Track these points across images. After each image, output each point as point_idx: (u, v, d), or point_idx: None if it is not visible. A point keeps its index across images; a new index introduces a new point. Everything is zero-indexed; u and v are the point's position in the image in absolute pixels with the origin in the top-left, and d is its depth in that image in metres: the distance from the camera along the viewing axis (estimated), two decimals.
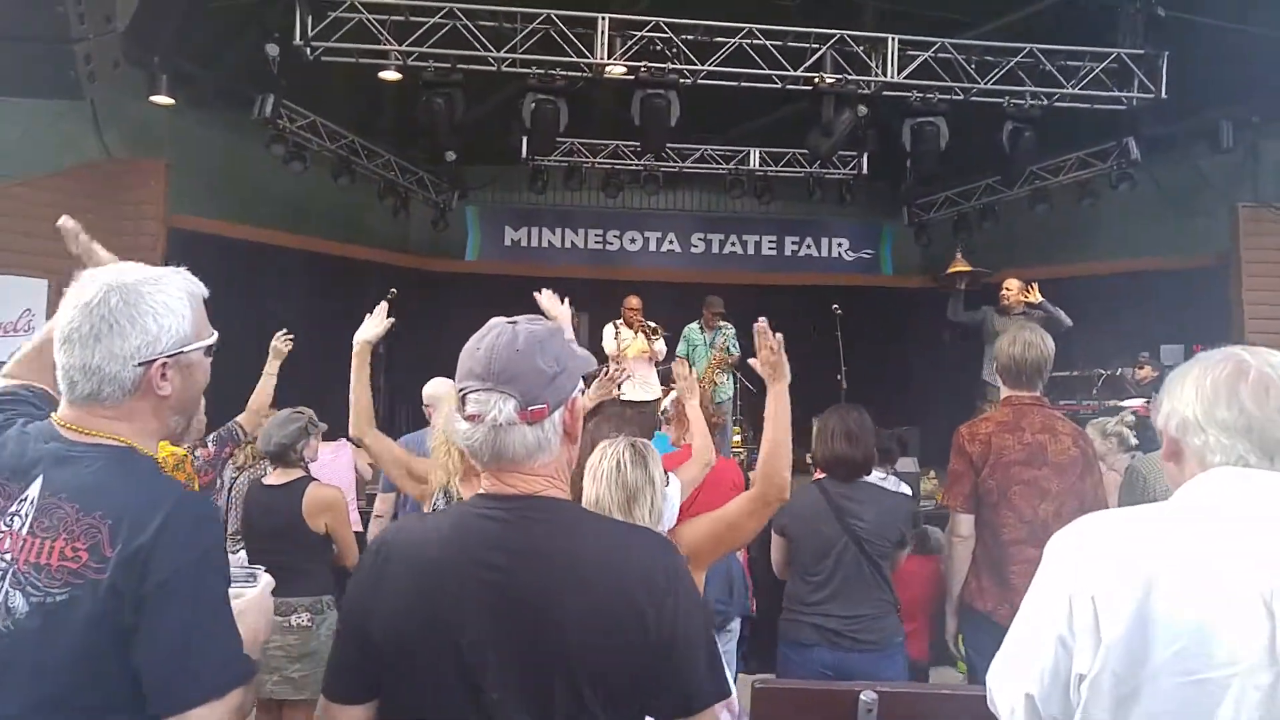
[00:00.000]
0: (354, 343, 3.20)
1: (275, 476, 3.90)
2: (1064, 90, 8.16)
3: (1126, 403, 7.27)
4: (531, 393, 1.35)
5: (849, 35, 7.92)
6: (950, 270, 8.60)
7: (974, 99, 8.21)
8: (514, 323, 1.40)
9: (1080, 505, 3.13)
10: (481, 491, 1.42)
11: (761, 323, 2.41)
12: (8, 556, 1.32)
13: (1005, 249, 11.55)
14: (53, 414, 1.45)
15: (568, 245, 12.71)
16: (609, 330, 8.41)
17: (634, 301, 8.43)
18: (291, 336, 4.08)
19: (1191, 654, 1.27)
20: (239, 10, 8.03)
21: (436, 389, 4.44)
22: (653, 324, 8.31)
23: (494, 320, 1.42)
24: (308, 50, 7.55)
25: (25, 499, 1.35)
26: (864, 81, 8.02)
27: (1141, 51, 7.96)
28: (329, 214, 10.81)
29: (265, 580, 1.58)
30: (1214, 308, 9.45)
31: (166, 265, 1.51)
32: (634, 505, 2.22)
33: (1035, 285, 7.42)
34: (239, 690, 1.32)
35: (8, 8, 5.52)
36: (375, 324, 3.24)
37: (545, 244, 12.68)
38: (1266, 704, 1.23)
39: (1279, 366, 1.41)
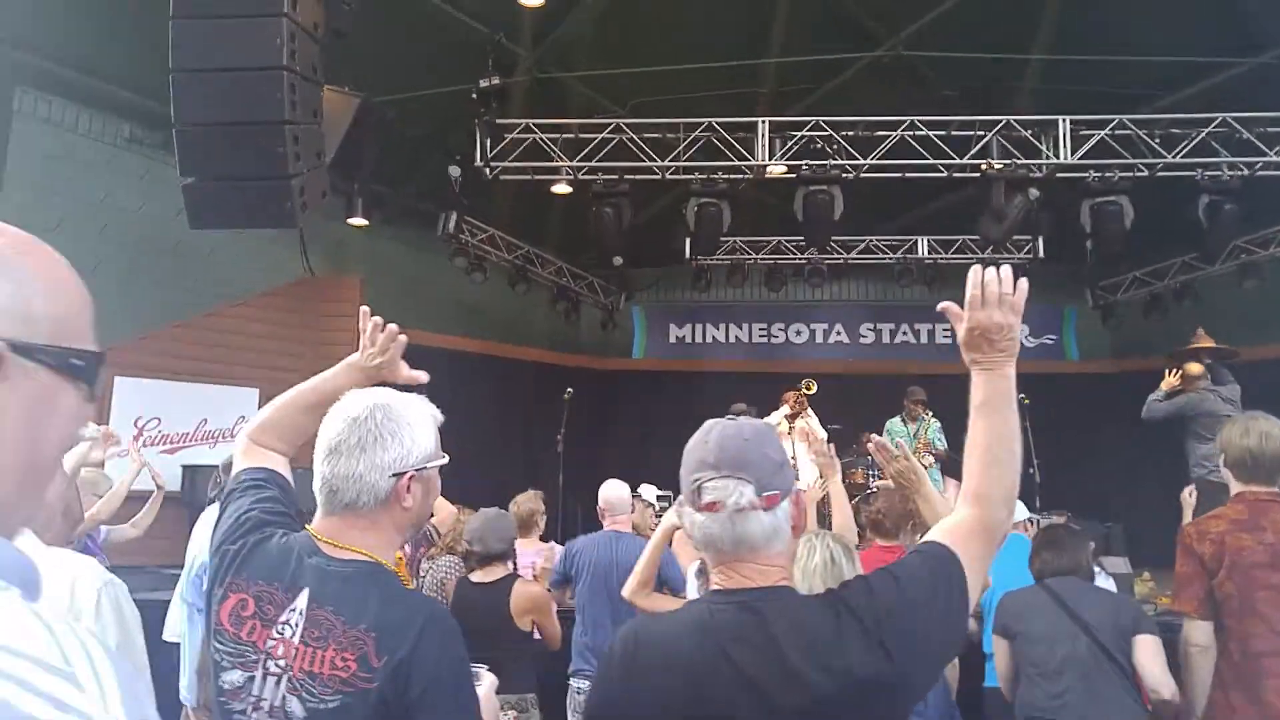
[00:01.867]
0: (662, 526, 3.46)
1: (482, 574, 3.91)
2: (1267, 158, 7.58)
3: None
4: (765, 479, 1.37)
5: (1015, 120, 7.72)
6: (1192, 346, 7.78)
7: (1161, 174, 7.75)
8: (733, 418, 1.44)
9: None
10: (717, 587, 1.41)
11: (874, 439, 2.44)
12: (283, 663, 1.43)
13: (1207, 328, 10.64)
14: (308, 526, 1.58)
15: (731, 340, 12.82)
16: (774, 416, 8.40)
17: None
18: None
19: None
20: (423, 137, 8.77)
21: (610, 493, 4.47)
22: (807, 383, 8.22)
23: (710, 420, 1.45)
24: (487, 170, 8.12)
25: (294, 609, 1.46)
26: (1034, 165, 7.76)
27: None
28: (507, 319, 11.42)
29: (489, 680, 1.65)
30: None
31: None
32: None
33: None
34: None
35: (235, 152, 6.31)
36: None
37: (709, 339, 12.83)
38: None
39: None
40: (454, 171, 8.55)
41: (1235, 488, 3.12)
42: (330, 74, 7.42)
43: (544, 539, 5.29)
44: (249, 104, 6.22)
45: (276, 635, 1.43)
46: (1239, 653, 2.91)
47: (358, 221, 9.17)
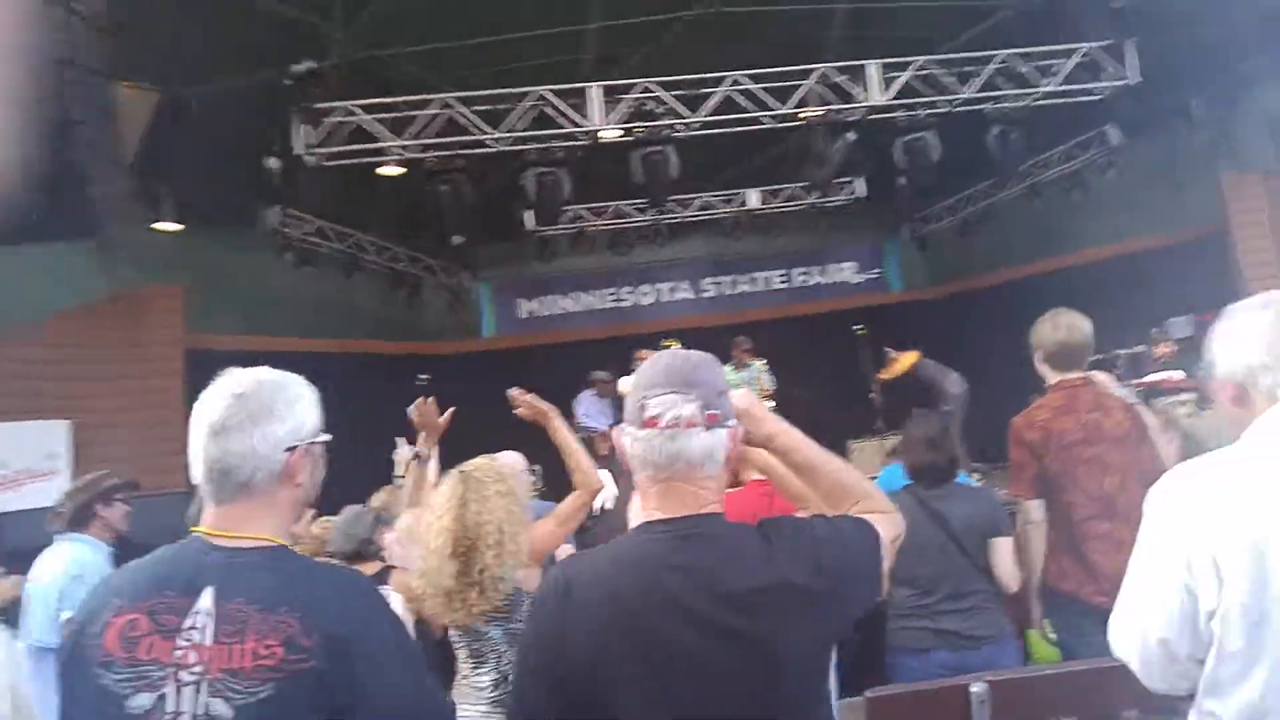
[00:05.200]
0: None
1: None
2: (1041, 89, 8.34)
3: (1159, 375, 7.22)
4: (709, 399, 1.44)
5: (828, 68, 8.13)
6: (890, 373, 8.74)
7: (958, 109, 8.38)
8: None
9: (1141, 476, 3.17)
10: (650, 518, 1.45)
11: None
12: (198, 669, 1.35)
13: (1007, 247, 11.67)
14: (195, 528, 1.51)
15: (582, 309, 12.93)
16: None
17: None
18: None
19: None
20: (233, 129, 8.27)
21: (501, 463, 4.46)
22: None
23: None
24: (310, 158, 7.76)
25: (198, 611, 1.39)
26: (849, 109, 8.21)
27: (1108, 42, 8.15)
28: (345, 313, 11.02)
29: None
30: (1213, 276, 9.48)
31: (188, 386, 1.60)
32: None
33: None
34: None
35: (22, 159, 5.76)
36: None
37: (560, 310, 12.90)
38: None
39: None
40: (273, 164, 8.11)
41: (1053, 379, 3.50)
42: (124, 69, 6.88)
43: None
44: (32, 105, 5.69)
45: (184, 643, 1.37)
46: (1065, 522, 3.30)
47: (169, 226, 8.56)
